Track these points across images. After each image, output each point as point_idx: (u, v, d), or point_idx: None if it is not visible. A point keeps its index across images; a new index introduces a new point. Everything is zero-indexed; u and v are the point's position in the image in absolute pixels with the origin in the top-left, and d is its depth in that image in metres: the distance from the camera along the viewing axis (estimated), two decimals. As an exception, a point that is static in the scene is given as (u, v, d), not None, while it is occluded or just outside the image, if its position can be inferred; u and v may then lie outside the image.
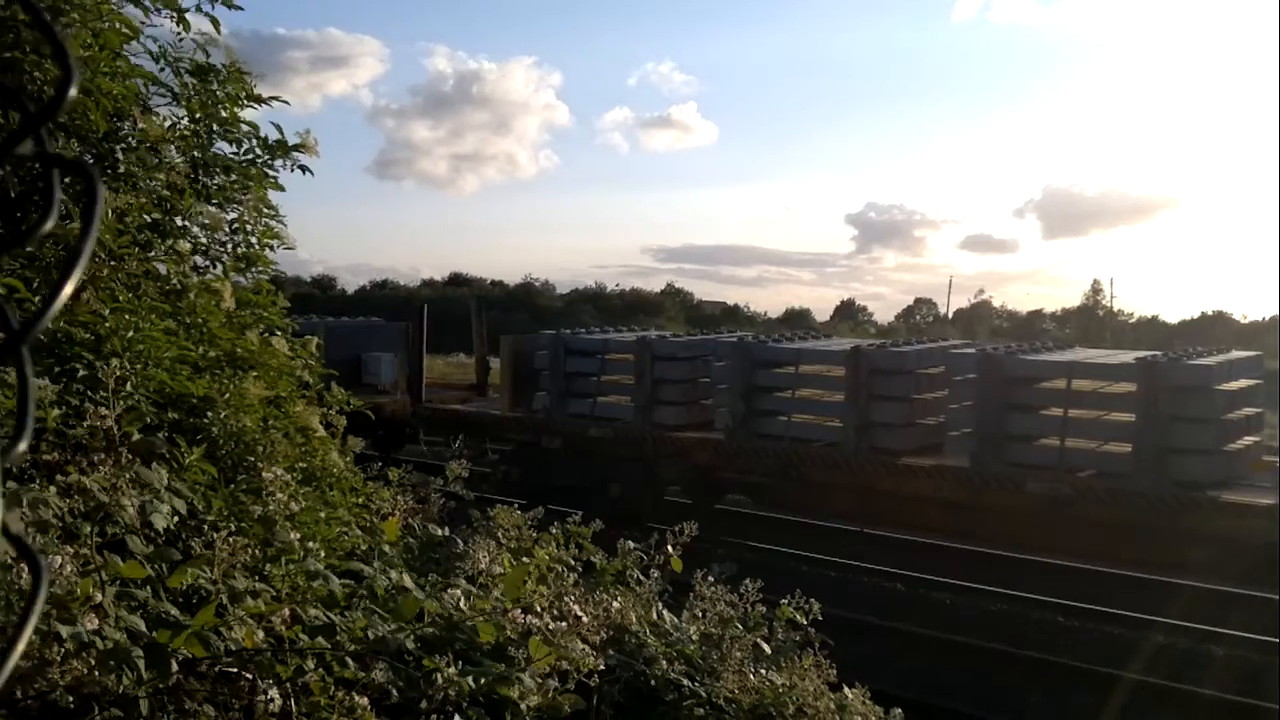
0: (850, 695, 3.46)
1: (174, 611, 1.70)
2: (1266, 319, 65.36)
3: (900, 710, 3.76)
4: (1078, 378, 11.95)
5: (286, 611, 1.86)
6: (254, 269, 3.75)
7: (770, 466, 13.93)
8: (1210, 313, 69.14)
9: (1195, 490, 10.93)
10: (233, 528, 2.41)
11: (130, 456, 1.81)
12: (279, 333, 3.77)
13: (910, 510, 13.21)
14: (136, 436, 1.86)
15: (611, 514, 13.46)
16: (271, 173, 3.63)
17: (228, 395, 3.07)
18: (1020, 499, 11.96)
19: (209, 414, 3.02)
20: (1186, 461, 11.03)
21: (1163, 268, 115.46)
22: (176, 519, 2.17)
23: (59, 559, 1.52)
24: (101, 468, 1.78)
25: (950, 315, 72.38)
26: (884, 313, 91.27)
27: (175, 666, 1.61)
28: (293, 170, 3.61)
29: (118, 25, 3.08)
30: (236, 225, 3.48)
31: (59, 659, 1.46)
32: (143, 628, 1.64)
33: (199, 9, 3.44)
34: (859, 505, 13.68)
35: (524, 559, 3.69)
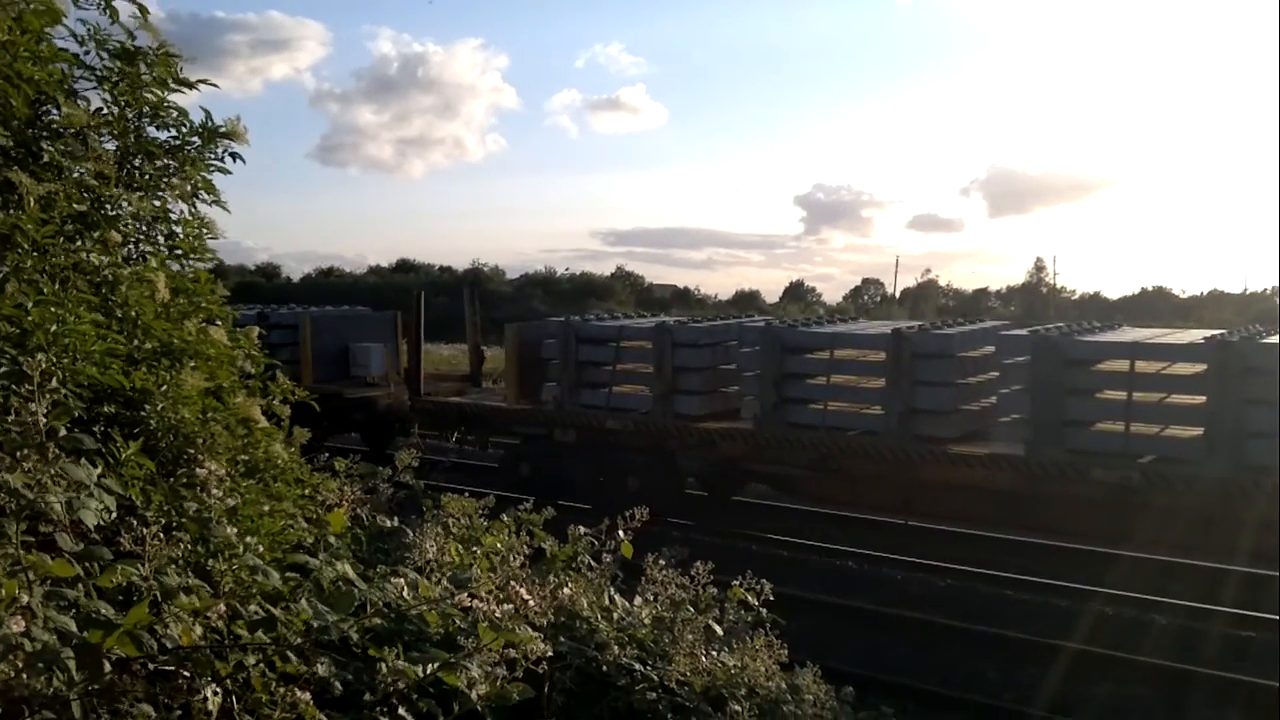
0: (801, 675, 3.48)
1: (105, 610, 1.65)
2: (1204, 294, 67.01)
3: (851, 688, 3.81)
4: (1142, 359, 11.22)
5: (223, 607, 1.82)
6: (191, 257, 3.66)
7: (805, 457, 13.19)
8: (1150, 288, 70.69)
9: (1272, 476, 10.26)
10: (168, 524, 2.36)
11: (57, 452, 1.76)
12: (219, 322, 3.68)
13: (959, 501, 12.41)
14: (63, 432, 1.80)
15: (629, 508, 13.42)
16: (213, 160, 3.53)
17: (165, 387, 3.00)
18: (1083, 487, 11.28)
19: (146, 407, 2.95)
20: (1263, 445, 10.36)
21: (1103, 245, 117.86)
22: (113, 515, 2.11)
23: (-21, 560, 1.47)
24: (25, 464, 1.72)
25: (898, 295, 73.29)
26: (833, 293, 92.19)
27: (108, 667, 1.57)
28: (222, 157, 3.52)
29: (39, 8, 2.97)
30: (160, 215, 3.39)
31: (-17, 663, 1.41)
32: (73, 628, 1.60)
33: None
34: (902, 497, 12.94)
35: (474, 547, 3.67)
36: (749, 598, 3.70)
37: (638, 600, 3.55)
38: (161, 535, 1.91)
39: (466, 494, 4.20)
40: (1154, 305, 60.95)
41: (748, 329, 14.36)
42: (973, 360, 12.74)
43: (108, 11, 3.26)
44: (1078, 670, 9.33)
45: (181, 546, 2.00)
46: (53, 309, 2.52)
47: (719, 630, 3.51)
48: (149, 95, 3.34)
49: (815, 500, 14.44)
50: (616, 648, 3.07)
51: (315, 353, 19.26)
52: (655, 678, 3.03)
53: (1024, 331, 12.50)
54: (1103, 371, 11.56)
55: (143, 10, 3.32)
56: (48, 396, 1.85)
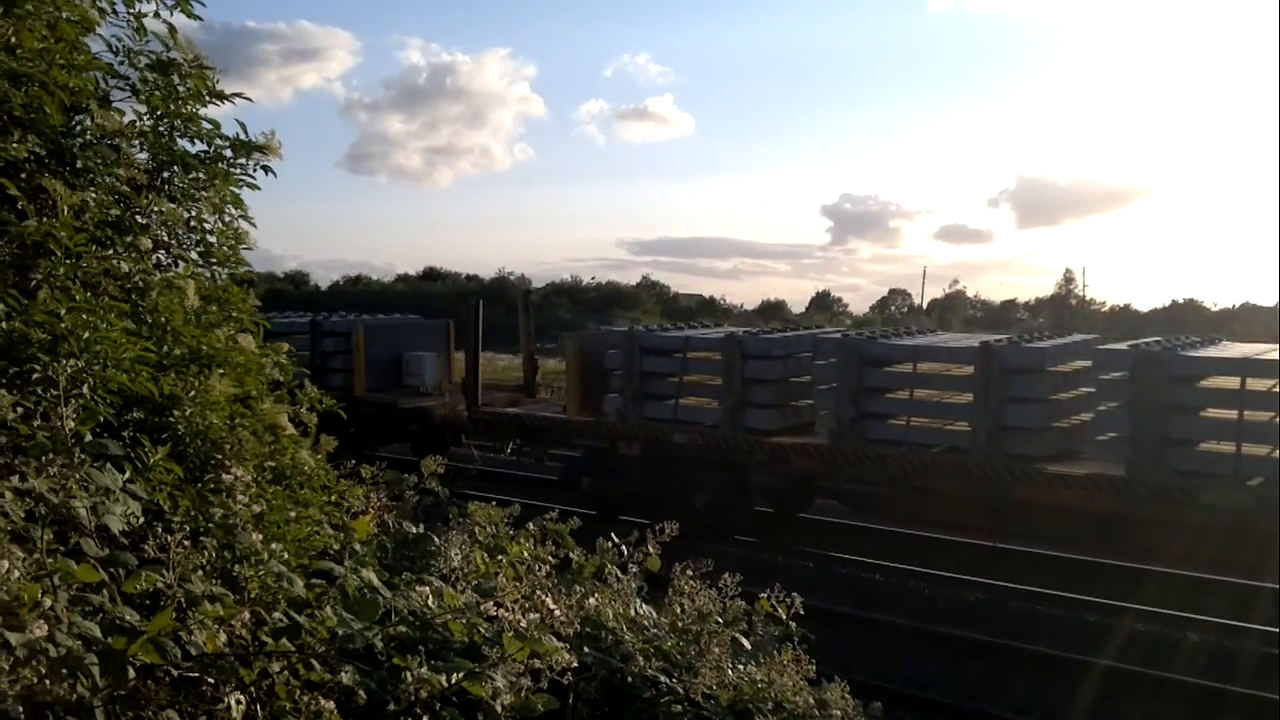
0: (829, 690, 3.44)
1: (130, 616, 1.65)
2: (1236, 306, 66.19)
3: (879, 703, 3.76)
4: (1254, 376, 10.50)
5: (247, 614, 1.82)
6: (223, 266, 3.68)
7: (885, 475, 12.63)
8: (1181, 300, 69.93)
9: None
10: (195, 529, 2.36)
11: (83, 457, 1.76)
12: (249, 332, 3.70)
13: (1054, 523, 11.72)
14: (89, 437, 1.80)
15: (697, 525, 12.88)
16: (240, 173, 3.56)
17: (193, 393, 3.01)
18: (1192, 512, 10.59)
19: (175, 412, 2.96)
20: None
21: (1134, 256, 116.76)
22: (140, 521, 2.12)
23: (4, 564, 1.47)
24: (50, 468, 1.72)
25: (925, 305, 72.91)
26: (859, 304, 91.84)
27: (132, 673, 1.57)
28: (256, 170, 3.55)
29: (74, 17, 3.00)
30: (195, 223, 3.41)
31: (7, 667, 1.41)
32: (98, 633, 1.59)
33: (156, 15, 3.37)
34: (988, 518, 12.33)
35: (499, 556, 3.66)
36: (777, 610, 3.66)
37: (665, 612, 3.52)
38: (187, 541, 1.90)
39: (494, 502, 4.19)
40: (1185, 318, 60.23)
41: (824, 340, 13.83)
42: (1064, 375, 12.21)
43: (138, 30, 3.30)
44: (1108, 687, 9.21)
45: (207, 553, 2.00)
46: (84, 316, 2.54)
47: (746, 643, 3.47)
48: (183, 107, 3.36)
49: (894, 519, 13.95)
50: (642, 659, 3.04)
51: (369, 361, 19.09)
52: (681, 690, 2.99)
53: (1123, 346, 11.95)
54: (1209, 389, 10.97)
55: (171, 30, 3.35)
56: (74, 402, 1.86)
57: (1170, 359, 11.01)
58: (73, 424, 1.77)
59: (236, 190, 3.53)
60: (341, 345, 19.42)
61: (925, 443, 12.50)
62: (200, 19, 3.58)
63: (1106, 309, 71.75)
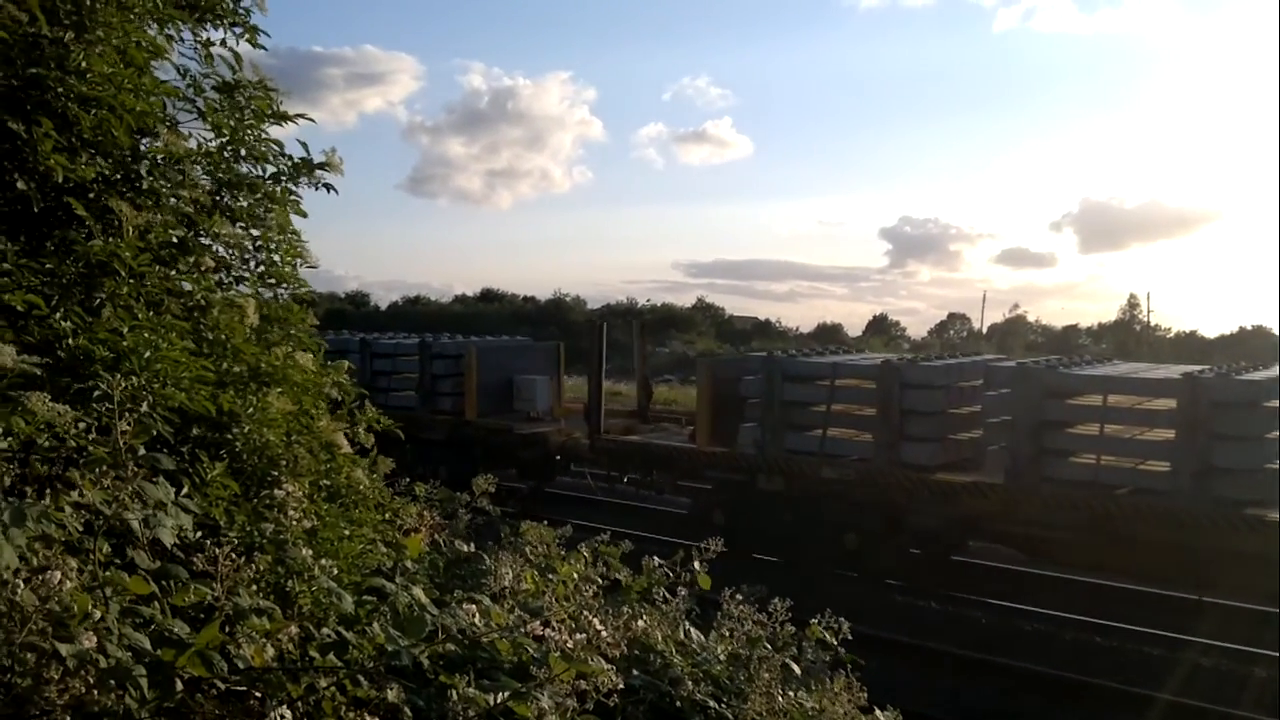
0: (882, 719, 3.38)
1: (179, 629, 1.67)
2: (1310, 333, 64.31)
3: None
4: None
5: (294, 629, 1.83)
6: (283, 286, 3.74)
7: (1071, 517, 11.42)
8: (1249, 327, 68.17)
9: None
10: (249, 544, 2.39)
11: (135, 470, 1.80)
12: (309, 351, 3.75)
13: (1266, 576, 10.20)
14: (141, 451, 1.84)
15: (846, 567, 12.60)
16: (294, 195, 3.63)
17: (251, 410, 3.06)
18: None
19: (233, 429, 3.01)
20: None
21: (1201, 282, 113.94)
22: (196, 535, 2.15)
23: (56, 575, 1.50)
24: (104, 481, 1.76)
25: (985, 330, 71.89)
26: (917, 328, 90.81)
27: (180, 685, 1.59)
28: (317, 189, 3.61)
29: (143, 42, 3.09)
30: (260, 244, 3.48)
31: (57, 677, 1.43)
32: (147, 645, 1.62)
33: (224, 43, 3.46)
34: (1190, 567, 10.95)
35: (550, 575, 3.65)
36: (827, 636, 3.61)
37: (713, 635, 3.49)
38: (236, 555, 1.93)
39: (545, 523, 4.20)
40: (1254, 344, 58.67)
41: (998, 369, 12.86)
42: (1274, 411, 10.96)
43: (205, 58, 3.38)
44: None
45: (253, 568, 2.02)
46: (146, 334, 2.60)
47: (796, 669, 3.43)
48: (247, 130, 3.44)
49: (1075, 567, 12.66)
50: (691, 683, 3.01)
51: (481, 386, 18.50)
52: (730, 715, 2.96)
53: None
54: None
55: (237, 57, 3.43)
56: (129, 416, 1.90)
57: None
58: (125, 439, 1.81)
59: (288, 215, 3.59)
60: (451, 368, 18.90)
61: (1113, 483, 11.43)
62: (265, 49, 3.67)
63: (1172, 335, 70.16)
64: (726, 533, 14.89)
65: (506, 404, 18.89)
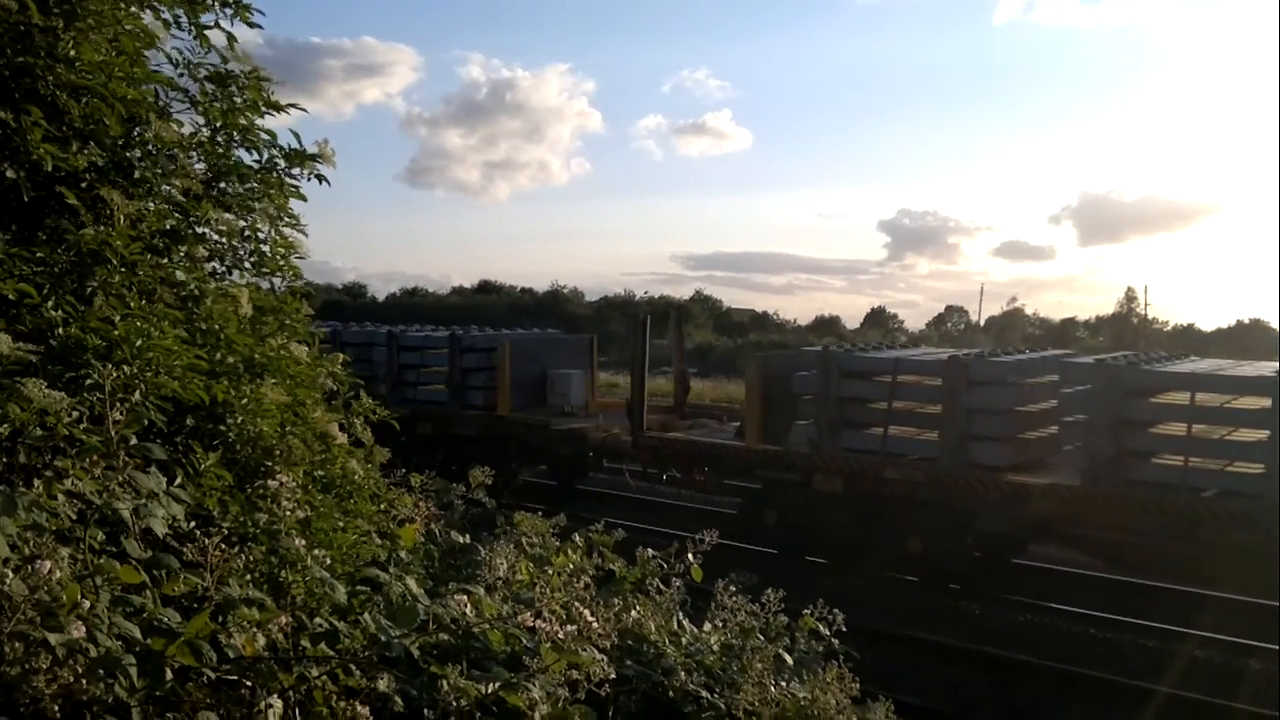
0: (874, 710, 3.39)
1: (169, 618, 1.67)
2: (1306, 326, 64.42)
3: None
4: None
5: (284, 619, 1.83)
6: (277, 275, 3.74)
7: (1159, 523, 10.73)
8: (1246, 320, 68.29)
9: None
10: (242, 534, 2.40)
11: (127, 460, 1.79)
12: (304, 342, 3.75)
13: None
14: (134, 440, 1.84)
15: (909, 571, 12.26)
16: (292, 181, 3.61)
17: (245, 401, 3.06)
18: None
19: (227, 419, 3.00)
20: None
21: (1199, 275, 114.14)
22: (190, 524, 2.15)
23: (46, 564, 1.50)
24: (96, 470, 1.76)
25: (982, 323, 71.95)
26: (915, 320, 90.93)
27: (170, 674, 1.59)
28: (309, 179, 3.60)
29: (135, 30, 3.08)
30: (249, 233, 3.47)
31: (46, 666, 1.43)
32: (138, 634, 1.62)
33: (218, 25, 3.44)
34: None
35: (545, 567, 3.66)
36: (820, 628, 3.62)
37: (706, 626, 3.49)
38: (225, 545, 1.93)
39: (539, 513, 4.21)
40: (1251, 338, 58.77)
41: (1074, 365, 12.12)
42: None
43: (199, 40, 3.36)
44: (1162, 715, 8.98)
45: (245, 558, 2.02)
46: (138, 323, 2.59)
47: (789, 660, 3.43)
48: (240, 119, 3.43)
49: (1155, 573, 11.89)
50: (683, 673, 3.02)
51: (515, 380, 17.82)
52: (722, 706, 2.97)
53: None
54: None
55: (231, 39, 3.41)
56: (121, 406, 1.89)
57: None
58: (117, 428, 1.81)
59: (287, 200, 3.58)
60: (483, 362, 18.25)
61: (1200, 486, 10.74)
62: (260, 26, 3.64)
63: (1169, 328, 70.27)
64: (778, 534, 13.60)
65: (540, 399, 18.26)
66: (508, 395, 17.67)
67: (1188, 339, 62.51)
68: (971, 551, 12.60)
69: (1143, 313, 70.85)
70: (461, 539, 4.18)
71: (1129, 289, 78.63)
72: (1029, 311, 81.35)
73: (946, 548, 12.36)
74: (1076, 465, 11.51)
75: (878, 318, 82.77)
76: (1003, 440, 12.11)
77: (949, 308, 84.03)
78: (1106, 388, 11.13)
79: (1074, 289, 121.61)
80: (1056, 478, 11.71)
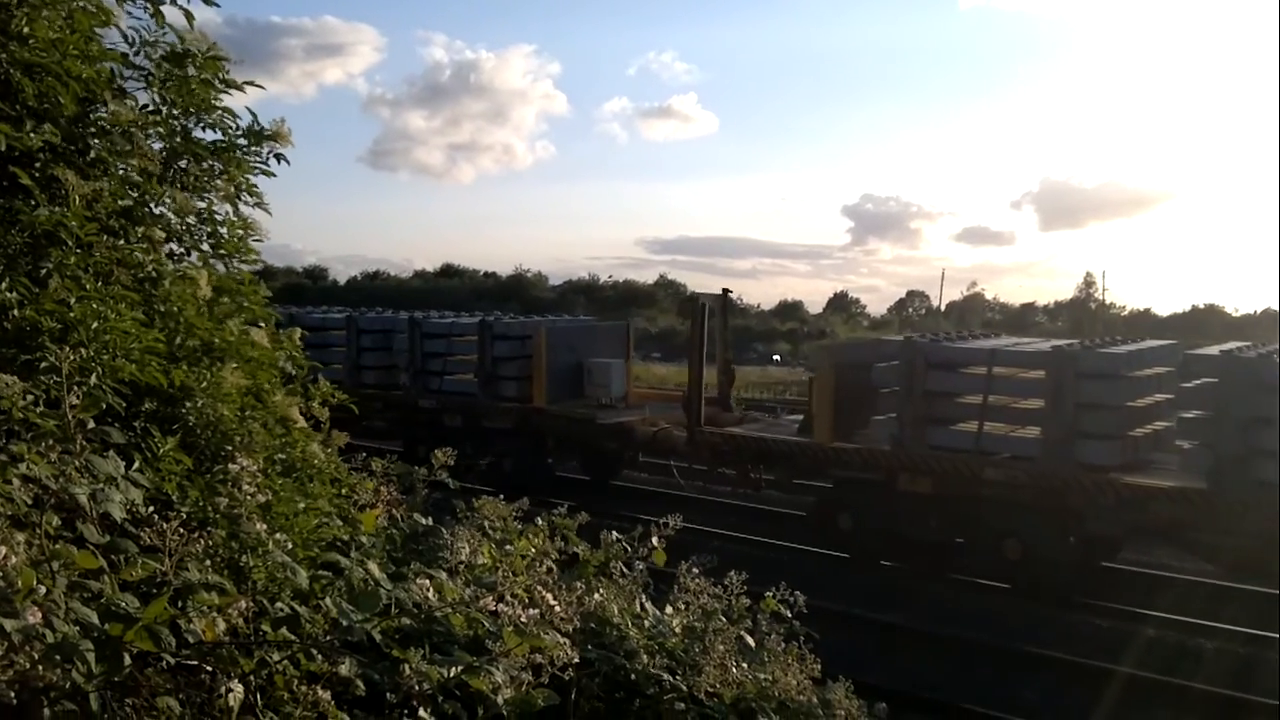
0: (833, 689, 3.43)
1: (127, 604, 1.66)
2: (1258, 312, 65.70)
3: (884, 704, 3.74)
4: None
5: (243, 603, 1.82)
6: (234, 258, 3.69)
7: None
8: (1202, 306, 69.46)
9: None
10: (203, 519, 2.38)
11: (84, 444, 1.78)
12: (261, 324, 3.71)
13: None
14: (91, 424, 1.82)
15: (1008, 578, 11.63)
16: (255, 160, 3.56)
17: (205, 384, 3.03)
18: None
19: (186, 404, 2.97)
20: None
21: (1155, 261, 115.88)
22: (148, 509, 2.13)
23: (2, 549, 1.48)
24: (52, 454, 1.74)
25: (943, 308, 72.59)
26: (877, 305, 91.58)
27: (128, 660, 1.57)
28: (268, 160, 3.55)
29: (89, 7, 3.02)
30: (205, 214, 3.42)
31: (1, 653, 1.42)
32: (95, 620, 1.60)
33: (174, 2, 3.38)
34: None
35: (507, 549, 3.66)
36: (782, 610, 3.65)
37: (669, 609, 3.52)
38: (184, 530, 1.91)
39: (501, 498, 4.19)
40: (1206, 323, 59.78)
41: (1198, 359, 11.09)
42: None
43: (156, 18, 3.31)
44: (1120, 694, 9.15)
45: (204, 542, 2.00)
46: (94, 305, 2.55)
47: (751, 642, 3.47)
48: (196, 97, 3.37)
49: None
50: (646, 656, 3.04)
51: (552, 370, 16.82)
52: (684, 688, 2.99)
53: None
54: None
55: (189, 17, 3.36)
56: (78, 389, 1.87)
57: None
58: (74, 412, 1.78)
59: (251, 178, 3.53)
60: (516, 350, 17.19)
61: None
62: (219, 5, 3.58)
63: (1126, 313, 71.29)
64: (854, 538, 12.96)
65: (575, 389, 17.14)
66: (543, 386, 16.67)
67: (1144, 323, 63.46)
68: (1078, 557, 11.81)
69: (1101, 298, 71.88)
70: (425, 522, 4.16)
71: (1088, 274, 79.77)
72: (989, 296, 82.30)
73: (1050, 552, 11.56)
74: (1193, 465, 10.70)
75: (840, 302, 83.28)
76: (1113, 438, 11.21)
77: (910, 292, 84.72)
78: (1234, 382, 10.21)
79: (1033, 274, 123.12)
80: (1167, 478, 10.97)
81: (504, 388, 17.15)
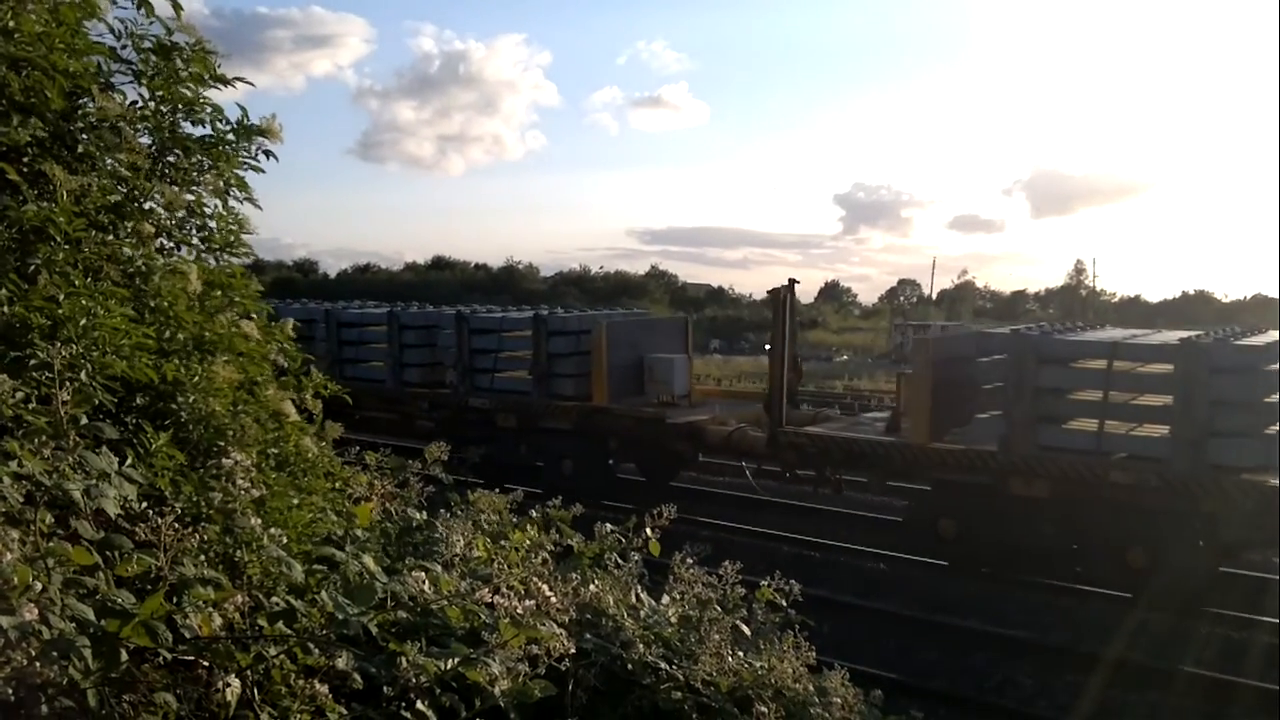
0: (829, 677, 3.44)
1: (123, 600, 1.65)
2: (1247, 298, 66.00)
3: (880, 691, 3.76)
4: None
5: (240, 598, 1.82)
6: (225, 252, 3.68)
7: None
8: (1191, 292, 69.77)
9: None
10: (196, 514, 2.37)
11: (77, 440, 1.77)
12: (253, 317, 3.70)
13: None
14: (84, 421, 1.81)
15: (1134, 587, 10.89)
16: (243, 155, 3.55)
17: (196, 379, 3.02)
18: None
19: (178, 399, 2.97)
20: None
21: (1146, 247, 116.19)
22: (142, 505, 2.12)
23: (-4, 546, 1.48)
24: (45, 451, 1.73)
25: (934, 296, 72.76)
26: (869, 294, 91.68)
27: (125, 656, 1.57)
28: (257, 155, 3.54)
29: (76, 1, 3.00)
30: (194, 208, 3.41)
31: (-4, 650, 1.42)
32: (91, 616, 1.60)
33: None
34: None
35: (502, 543, 3.66)
36: (777, 598, 3.66)
37: (665, 599, 3.52)
38: (179, 525, 1.91)
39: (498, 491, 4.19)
40: (1196, 309, 60.07)
41: None
42: None
43: (143, 8, 3.29)
44: (1114, 679, 9.19)
45: (199, 537, 2.00)
46: (84, 302, 2.54)
47: (746, 631, 3.48)
48: (184, 91, 3.36)
49: None
50: (642, 646, 3.04)
51: (612, 366, 15.91)
52: (681, 677, 3.00)
53: None
54: None
55: (176, 7, 3.34)
56: (70, 385, 1.86)
57: None
58: (66, 408, 1.78)
59: (240, 173, 3.52)
60: (572, 346, 16.45)
61: None
62: None
63: (1116, 300, 71.58)
64: (957, 545, 12.12)
65: (636, 387, 16.31)
66: (605, 384, 15.82)
67: (1135, 310, 63.75)
68: (1211, 564, 11.12)
69: (1091, 284, 72.10)
70: (419, 516, 4.16)
71: (1078, 261, 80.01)
72: (980, 284, 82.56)
73: (1179, 560, 10.79)
74: None
75: (831, 291, 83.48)
76: (1249, 437, 10.40)
77: (901, 281, 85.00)
78: None
79: (1023, 261, 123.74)
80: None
81: (560, 385, 16.42)
